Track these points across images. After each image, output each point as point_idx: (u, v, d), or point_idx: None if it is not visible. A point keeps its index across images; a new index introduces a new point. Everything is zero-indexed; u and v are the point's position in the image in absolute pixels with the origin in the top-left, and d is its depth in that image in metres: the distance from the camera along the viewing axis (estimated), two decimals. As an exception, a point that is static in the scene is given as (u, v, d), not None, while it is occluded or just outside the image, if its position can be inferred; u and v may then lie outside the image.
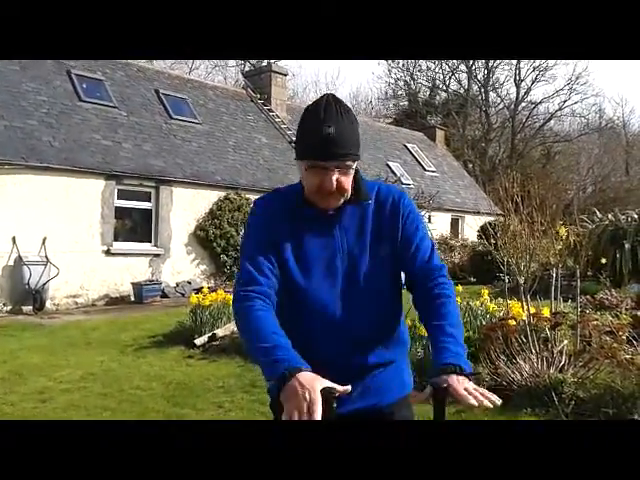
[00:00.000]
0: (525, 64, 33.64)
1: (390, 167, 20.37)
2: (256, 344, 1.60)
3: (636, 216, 11.44)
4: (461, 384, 1.50)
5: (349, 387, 1.52)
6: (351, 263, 1.78)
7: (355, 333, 1.77)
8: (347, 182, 1.75)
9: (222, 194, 14.10)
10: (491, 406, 1.46)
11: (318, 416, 1.39)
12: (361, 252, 1.79)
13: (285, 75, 20.10)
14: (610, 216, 11.78)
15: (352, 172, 1.76)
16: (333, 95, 1.76)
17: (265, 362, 1.55)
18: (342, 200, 1.78)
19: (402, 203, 1.86)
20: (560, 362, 4.86)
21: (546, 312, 5.38)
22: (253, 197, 12.95)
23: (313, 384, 1.44)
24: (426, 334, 6.24)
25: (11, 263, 11.03)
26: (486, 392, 1.50)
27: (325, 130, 1.67)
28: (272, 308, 1.71)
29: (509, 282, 6.64)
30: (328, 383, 1.48)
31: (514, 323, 5.25)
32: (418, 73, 35.75)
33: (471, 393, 1.48)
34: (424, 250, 1.83)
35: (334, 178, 1.71)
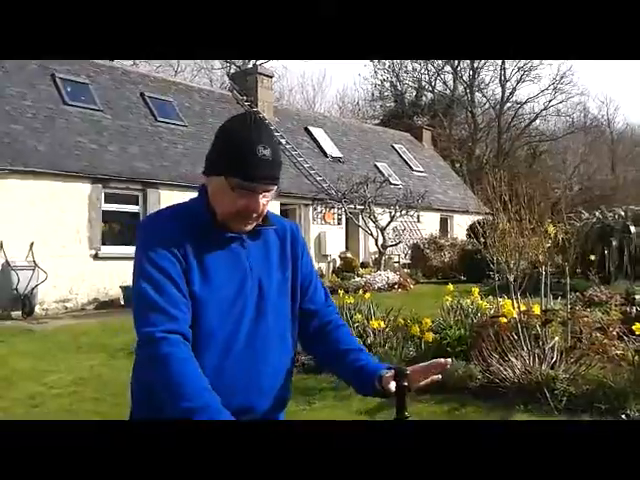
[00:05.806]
0: (510, 64, 33.93)
1: (378, 167, 20.41)
2: (180, 403, 1.40)
3: (623, 213, 11.54)
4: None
5: None
6: (259, 290, 1.68)
7: (267, 366, 1.67)
8: (267, 207, 1.66)
9: (210, 196, 14.03)
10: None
11: None
12: (268, 278, 1.70)
13: (271, 77, 20.07)
14: (597, 213, 11.88)
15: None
16: (258, 113, 1.65)
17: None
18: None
19: (300, 236, 1.83)
20: (552, 359, 4.88)
21: (536, 309, 5.40)
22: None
23: None
24: (418, 334, 6.14)
25: (-2, 269, 10.95)
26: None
27: (260, 151, 1.55)
28: (191, 351, 1.53)
29: (499, 280, 6.67)
30: None
31: (505, 321, 5.26)
32: (404, 74, 35.99)
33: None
34: (320, 291, 1.86)
35: (262, 201, 1.62)
